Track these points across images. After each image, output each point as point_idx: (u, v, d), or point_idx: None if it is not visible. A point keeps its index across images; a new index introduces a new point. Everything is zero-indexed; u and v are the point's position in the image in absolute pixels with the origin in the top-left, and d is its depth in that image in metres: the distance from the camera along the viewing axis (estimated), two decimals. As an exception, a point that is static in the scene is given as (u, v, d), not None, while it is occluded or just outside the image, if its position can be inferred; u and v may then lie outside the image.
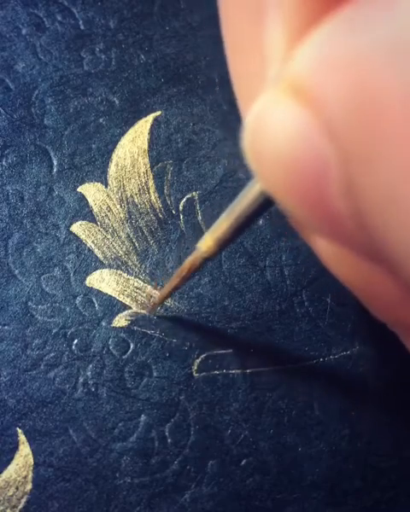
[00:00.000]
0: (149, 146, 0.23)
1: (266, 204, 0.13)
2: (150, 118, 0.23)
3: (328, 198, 0.09)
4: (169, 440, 0.20)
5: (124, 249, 0.22)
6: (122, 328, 0.21)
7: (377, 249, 0.09)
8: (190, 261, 0.17)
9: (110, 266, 0.22)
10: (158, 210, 0.22)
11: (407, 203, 0.08)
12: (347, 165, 0.09)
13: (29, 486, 0.20)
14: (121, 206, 0.22)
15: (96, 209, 0.22)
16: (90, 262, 0.22)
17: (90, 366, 0.21)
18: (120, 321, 0.21)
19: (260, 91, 0.10)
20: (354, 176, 0.09)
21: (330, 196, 0.09)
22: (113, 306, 0.21)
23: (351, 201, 0.09)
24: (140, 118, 0.23)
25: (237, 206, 0.13)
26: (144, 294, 0.21)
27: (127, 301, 0.21)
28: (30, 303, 0.21)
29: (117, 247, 0.22)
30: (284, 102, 0.09)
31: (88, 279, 0.22)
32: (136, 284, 0.21)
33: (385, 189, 0.08)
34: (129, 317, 0.21)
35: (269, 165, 0.10)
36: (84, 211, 0.22)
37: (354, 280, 0.15)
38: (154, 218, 0.22)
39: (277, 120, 0.10)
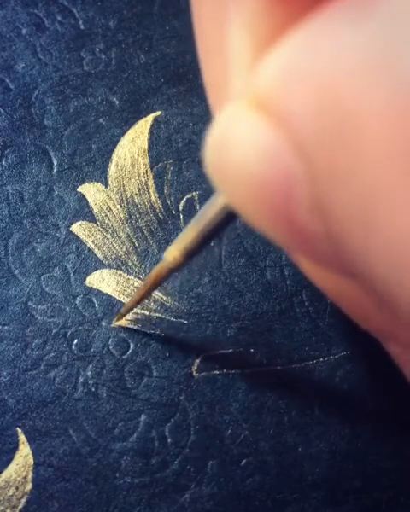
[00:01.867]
0: (149, 146, 0.23)
1: (230, 217, 0.12)
2: (150, 118, 0.23)
3: (296, 214, 0.09)
4: (169, 440, 0.20)
5: (124, 249, 0.22)
6: (122, 328, 0.21)
7: (347, 265, 0.09)
8: (155, 271, 0.17)
9: (110, 266, 0.22)
10: (158, 210, 0.22)
11: (376, 220, 0.08)
12: (315, 182, 0.08)
13: (29, 486, 0.20)
14: (121, 206, 0.22)
15: (96, 209, 0.22)
16: (90, 262, 0.22)
17: (90, 366, 0.21)
18: (120, 321, 0.21)
19: (225, 103, 0.10)
20: (323, 193, 0.08)
21: (299, 213, 0.09)
22: (113, 306, 0.21)
23: (320, 219, 0.09)
24: (140, 118, 0.23)
25: (203, 217, 0.13)
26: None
27: (127, 301, 0.21)
28: (30, 303, 0.21)
29: (117, 247, 0.22)
30: (248, 117, 0.09)
31: (88, 279, 0.22)
32: (136, 284, 0.21)
33: (355, 206, 0.08)
34: (129, 317, 0.21)
35: (232, 182, 0.10)
36: (84, 211, 0.22)
37: (334, 291, 0.15)
38: (154, 218, 0.22)
39: (240, 136, 0.09)
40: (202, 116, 0.23)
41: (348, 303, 0.15)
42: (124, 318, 0.21)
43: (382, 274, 0.08)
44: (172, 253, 0.15)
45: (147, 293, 0.18)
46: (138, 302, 0.19)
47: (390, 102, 0.07)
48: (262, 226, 0.10)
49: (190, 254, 0.15)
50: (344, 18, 0.08)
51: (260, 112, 0.09)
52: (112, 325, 0.21)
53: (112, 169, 0.23)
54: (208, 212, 0.13)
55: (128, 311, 0.20)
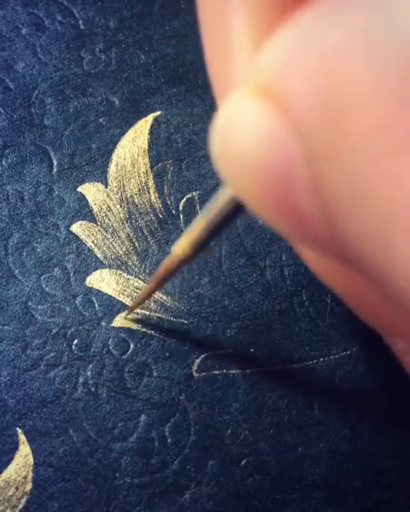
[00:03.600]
0: (149, 146, 0.23)
1: (238, 207, 0.12)
2: (150, 118, 0.23)
3: (296, 199, 0.09)
4: (169, 440, 0.20)
5: (124, 249, 0.22)
6: (122, 328, 0.21)
7: (345, 250, 0.09)
8: (164, 265, 0.17)
9: (110, 266, 0.22)
10: (158, 210, 0.22)
11: (373, 198, 0.08)
12: (313, 162, 0.09)
13: (29, 486, 0.20)
14: (121, 206, 0.22)
15: (96, 209, 0.22)
16: (90, 262, 0.22)
17: (90, 366, 0.21)
18: (120, 321, 0.21)
19: (230, 92, 0.10)
20: (321, 172, 0.09)
21: (298, 197, 0.09)
22: (113, 306, 0.21)
23: (319, 200, 0.09)
24: (140, 118, 0.23)
25: (211, 209, 0.13)
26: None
27: (127, 301, 0.21)
28: (30, 303, 0.21)
29: (117, 247, 0.22)
30: (250, 103, 0.09)
31: (88, 279, 0.22)
32: (136, 284, 0.21)
33: (352, 184, 0.08)
34: (129, 317, 0.21)
35: (235, 168, 0.10)
36: (84, 211, 0.22)
37: (339, 284, 0.15)
38: (154, 218, 0.22)
39: (242, 122, 0.09)
40: (202, 116, 0.23)
41: (354, 298, 0.15)
42: (124, 318, 0.21)
43: (377, 256, 0.08)
44: (182, 245, 0.15)
45: (157, 288, 0.19)
46: (147, 297, 0.20)
47: (384, 82, 0.07)
48: (264, 213, 0.10)
49: (200, 247, 0.15)
50: (340, 4, 0.08)
51: (261, 97, 0.09)
52: (125, 318, 0.21)
53: (112, 169, 0.23)
54: (216, 204, 0.13)
55: (138, 305, 0.20)
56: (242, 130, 0.09)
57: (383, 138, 0.08)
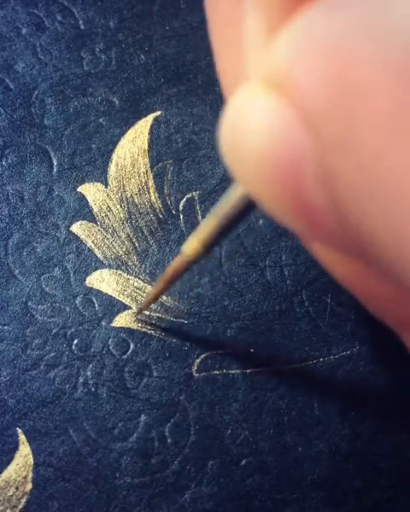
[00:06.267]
0: (149, 146, 0.23)
1: (248, 206, 0.12)
2: (150, 118, 0.23)
3: (306, 192, 0.09)
4: (169, 440, 0.20)
5: (124, 249, 0.22)
6: (122, 328, 0.21)
7: (358, 243, 0.09)
8: (174, 264, 0.17)
9: (110, 266, 0.22)
10: (158, 210, 0.22)
11: (384, 186, 0.08)
12: (323, 153, 0.09)
13: (29, 486, 0.20)
14: (121, 206, 0.22)
15: (96, 209, 0.22)
16: (90, 262, 0.22)
17: (90, 366, 0.21)
18: (120, 321, 0.21)
19: (239, 86, 0.10)
20: (331, 163, 0.09)
21: (308, 190, 0.09)
22: (113, 306, 0.21)
23: (329, 193, 0.09)
24: (140, 118, 0.23)
25: (221, 207, 0.13)
26: (144, 294, 0.21)
27: (127, 301, 0.21)
28: (30, 303, 0.21)
29: (117, 247, 0.22)
30: (260, 96, 0.09)
31: (88, 279, 0.22)
32: (136, 284, 0.21)
33: (363, 174, 0.08)
34: (129, 317, 0.21)
35: (244, 162, 0.10)
36: (84, 211, 0.22)
37: (350, 279, 0.15)
38: (154, 218, 0.22)
39: (253, 115, 0.09)
40: (202, 116, 0.23)
41: (366, 292, 0.15)
42: (133, 319, 0.21)
43: (389, 246, 0.08)
44: (192, 244, 0.15)
45: (165, 289, 0.18)
46: (156, 298, 0.20)
47: (389, 70, 0.08)
48: (274, 208, 0.10)
49: (210, 245, 0.15)
50: None
51: (271, 90, 0.09)
52: (136, 317, 0.21)
53: (112, 169, 0.23)
54: (227, 203, 0.13)
55: (148, 305, 0.20)
56: (251, 123, 0.09)
57: (391, 125, 0.08)
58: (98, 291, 0.21)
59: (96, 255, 0.22)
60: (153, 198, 0.22)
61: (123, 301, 0.21)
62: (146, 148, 0.23)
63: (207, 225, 0.14)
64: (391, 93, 0.08)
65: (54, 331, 0.21)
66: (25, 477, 0.20)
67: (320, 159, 0.09)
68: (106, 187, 0.23)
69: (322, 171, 0.09)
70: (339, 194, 0.09)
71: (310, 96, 0.08)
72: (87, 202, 0.22)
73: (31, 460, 0.20)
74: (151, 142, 0.23)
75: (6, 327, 0.21)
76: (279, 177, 0.09)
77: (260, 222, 0.22)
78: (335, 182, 0.09)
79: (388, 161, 0.08)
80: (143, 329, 0.21)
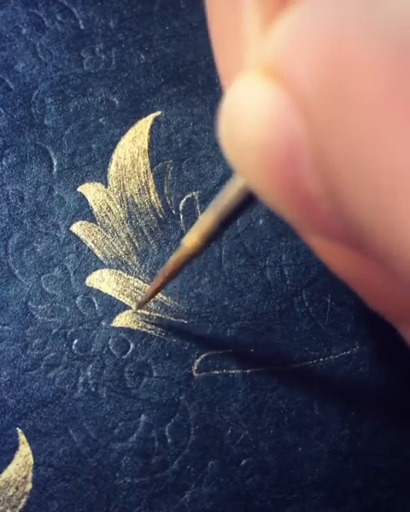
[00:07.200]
0: (149, 146, 0.23)
1: (248, 199, 0.12)
2: (150, 118, 0.23)
3: (301, 179, 0.09)
4: (169, 440, 0.20)
5: (124, 249, 0.22)
6: (122, 328, 0.21)
7: (353, 231, 0.09)
8: (174, 259, 0.17)
9: (110, 266, 0.22)
10: (158, 210, 0.22)
11: (375, 170, 0.08)
12: (317, 139, 0.09)
13: (29, 486, 0.20)
14: (121, 206, 0.22)
15: (96, 209, 0.22)
16: (90, 262, 0.22)
17: (90, 366, 0.21)
18: (120, 321, 0.21)
19: (237, 75, 0.10)
20: (325, 148, 0.09)
21: (304, 177, 0.09)
22: (113, 306, 0.21)
23: (323, 178, 0.09)
24: (140, 118, 0.23)
25: (221, 201, 0.13)
26: (144, 294, 0.21)
27: (127, 301, 0.21)
28: (30, 303, 0.21)
29: (117, 247, 0.22)
30: (258, 84, 0.09)
31: (88, 279, 0.22)
32: (136, 284, 0.21)
33: (355, 158, 0.08)
34: (129, 317, 0.21)
35: (242, 150, 0.10)
36: (84, 211, 0.22)
37: (348, 272, 0.14)
38: (154, 218, 0.22)
39: (250, 102, 0.09)
40: (202, 116, 0.23)
41: (365, 286, 0.15)
42: (134, 313, 0.21)
43: (382, 232, 0.08)
44: (192, 238, 0.15)
45: (165, 283, 0.18)
46: (155, 293, 0.19)
47: (381, 56, 0.08)
48: (271, 196, 0.10)
49: (210, 239, 0.15)
50: None
51: (268, 78, 0.09)
52: (136, 312, 0.21)
53: (112, 169, 0.23)
54: (226, 195, 0.13)
55: (147, 300, 0.20)
56: (248, 111, 0.09)
57: (382, 110, 0.08)
58: (98, 291, 0.21)
59: (96, 255, 0.22)
60: (153, 198, 0.22)
61: (123, 301, 0.21)
62: (146, 148, 0.23)
63: (207, 219, 0.14)
64: (383, 81, 0.08)
65: (54, 331, 0.21)
66: (25, 477, 0.20)
67: (315, 145, 0.09)
68: (106, 187, 0.23)
69: (317, 158, 0.09)
70: (332, 179, 0.09)
71: (303, 82, 0.08)
72: (87, 202, 0.22)
73: (31, 460, 0.20)
74: (151, 142, 0.23)
75: (6, 327, 0.21)
76: (276, 164, 0.09)
77: (260, 222, 0.22)
78: (327, 166, 0.09)
79: (378, 147, 0.08)
80: (143, 329, 0.21)
